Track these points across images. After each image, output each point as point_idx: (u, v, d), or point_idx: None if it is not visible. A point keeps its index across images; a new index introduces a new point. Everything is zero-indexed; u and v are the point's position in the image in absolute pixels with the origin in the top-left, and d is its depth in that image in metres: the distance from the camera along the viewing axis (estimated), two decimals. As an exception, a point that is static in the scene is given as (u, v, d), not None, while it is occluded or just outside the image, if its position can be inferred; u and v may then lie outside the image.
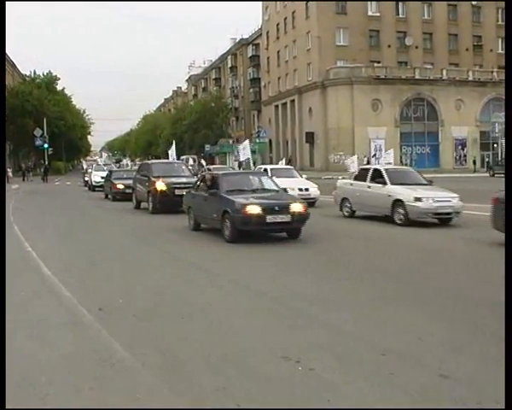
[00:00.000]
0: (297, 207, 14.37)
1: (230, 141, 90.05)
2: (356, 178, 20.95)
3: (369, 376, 5.59)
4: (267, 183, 16.58)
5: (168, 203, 22.01)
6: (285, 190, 19.33)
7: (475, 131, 69.38)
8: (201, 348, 6.40)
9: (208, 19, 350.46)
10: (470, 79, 69.14)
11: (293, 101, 75.53)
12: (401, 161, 65.63)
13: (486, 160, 67.99)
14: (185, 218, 17.80)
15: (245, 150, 45.98)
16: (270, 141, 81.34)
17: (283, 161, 46.17)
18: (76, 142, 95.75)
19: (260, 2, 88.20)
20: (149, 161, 32.50)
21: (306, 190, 24.46)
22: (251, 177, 17.44)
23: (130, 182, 27.83)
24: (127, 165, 60.84)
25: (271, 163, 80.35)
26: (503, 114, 67.18)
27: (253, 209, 13.89)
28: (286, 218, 14.14)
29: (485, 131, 69.26)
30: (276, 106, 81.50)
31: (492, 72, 70.75)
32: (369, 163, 51.45)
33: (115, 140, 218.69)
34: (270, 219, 13.94)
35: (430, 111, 68.10)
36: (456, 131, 68.06)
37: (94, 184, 40.17)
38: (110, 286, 9.69)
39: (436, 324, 7.30)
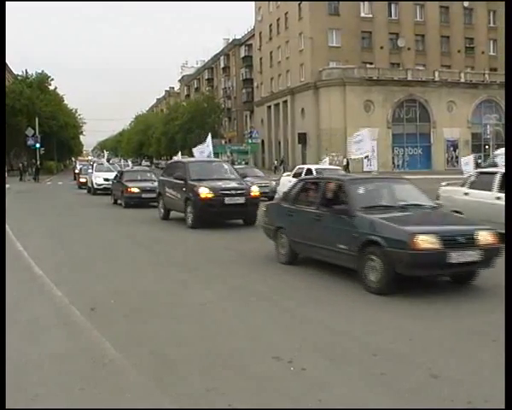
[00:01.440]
0: (485, 238, 9.14)
1: (223, 141, 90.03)
2: (473, 186, 15.04)
3: (361, 376, 5.62)
4: (410, 194, 11.04)
5: (214, 215, 17.76)
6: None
7: (467, 133, 69.52)
8: (193, 349, 6.41)
9: (201, 19, 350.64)
10: (462, 80, 69.26)
11: (285, 101, 75.51)
12: (393, 162, 65.83)
13: (478, 161, 68.09)
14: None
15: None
16: (263, 141, 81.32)
17: (327, 159, 38.76)
18: (68, 141, 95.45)
19: (253, 3, 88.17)
20: (183, 160, 27.33)
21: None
22: (393, 185, 11.48)
23: (148, 185, 25.79)
24: (128, 164, 57.73)
25: (263, 164, 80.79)
26: (495, 115, 68.05)
27: (429, 243, 8.61)
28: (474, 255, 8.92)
29: (477, 132, 69.49)
30: (269, 106, 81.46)
31: (484, 74, 70.94)
32: (348, 164, 51.48)
33: (107, 140, 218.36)
34: (453, 257, 8.68)
35: (422, 112, 68.19)
36: (448, 132, 68.18)
37: (96, 186, 35.13)
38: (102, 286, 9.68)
39: (428, 324, 7.33)
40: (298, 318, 7.69)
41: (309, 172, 24.11)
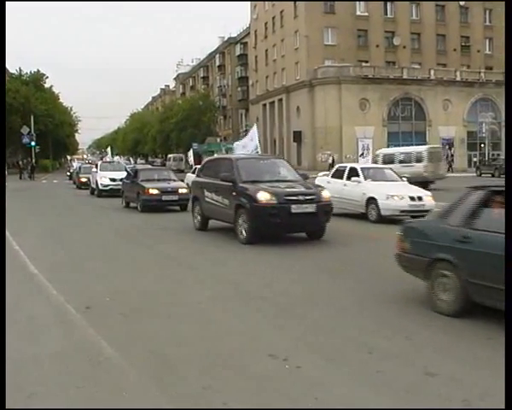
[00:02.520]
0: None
1: (218, 139, 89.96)
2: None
3: (357, 374, 5.62)
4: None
5: (277, 227, 14.07)
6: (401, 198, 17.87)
7: (462, 131, 69.61)
8: (189, 347, 6.41)
9: (196, 17, 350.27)
10: (458, 79, 69.35)
11: (280, 100, 75.49)
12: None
13: (474, 159, 68.26)
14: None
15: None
16: (258, 140, 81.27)
17: (369, 157, 33.37)
18: (63, 140, 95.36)
19: (249, 1, 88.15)
20: (229, 156, 22.19)
21: (420, 198, 18.21)
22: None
23: (168, 185, 23.35)
24: (130, 161, 54.76)
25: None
26: (490, 114, 68.12)
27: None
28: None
29: (473, 131, 69.56)
30: (264, 105, 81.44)
31: (480, 72, 71.06)
32: (333, 162, 51.73)
33: (102, 138, 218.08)
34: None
35: (418, 111, 68.27)
36: (444, 130, 68.23)
37: (101, 187, 31.99)
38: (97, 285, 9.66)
39: (423, 323, 7.34)
40: (293, 316, 7.69)
41: (353, 171, 20.13)
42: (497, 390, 5.14)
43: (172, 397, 5.11)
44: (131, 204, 24.62)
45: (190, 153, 49.98)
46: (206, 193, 16.28)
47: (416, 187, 19.63)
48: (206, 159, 20.69)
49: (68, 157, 78.11)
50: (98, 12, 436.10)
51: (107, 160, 42.10)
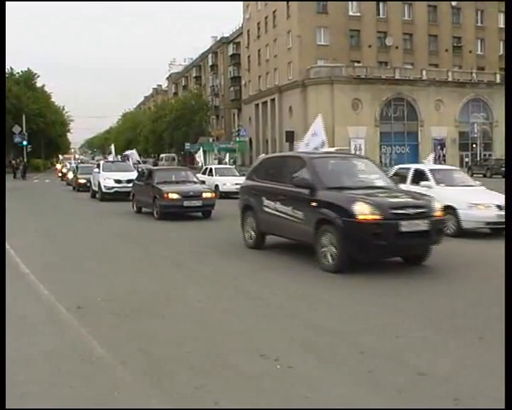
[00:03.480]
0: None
1: (210, 139, 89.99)
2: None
3: (348, 373, 5.63)
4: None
5: (382, 251, 10.39)
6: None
7: (454, 132, 69.86)
8: (181, 346, 6.40)
9: (189, 17, 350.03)
10: (450, 79, 69.58)
11: (273, 100, 75.55)
12: (380, 161, 65.96)
13: (466, 160, 68.50)
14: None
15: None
16: (251, 139, 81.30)
17: (431, 156, 28.76)
18: (55, 139, 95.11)
19: (241, 1, 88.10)
20: (299, 154, 14.47)
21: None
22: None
23: (190, 188, 20.56)
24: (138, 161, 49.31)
25: (251, 162, 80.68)
26: (482, 114, 68.36)
27: None
28: None
29: (464, 131, 69.81)
30: (257, 104, 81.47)
31: (472, 73, 71.31)
32: None
33: (95, 138, 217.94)
34: None
35: (410, 111, 68.45)
36: (436, 131, 68.46)
37: (105, 190, 28.78)
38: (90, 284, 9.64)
39: (415, 322, 7.36)
40: (285, 315, 7.69)
41: (419, 174, 17.12)
42: (488, 389, 5.18)
43: (164, 397, 5.10)
44: (144, 209, 22.03)
45: (200, 152, 47.34)
46: (266, 201, 12.72)
47: (497, 193, 15.89)
48: (260, 157, 18.04)
49: (60, 156, 77.11)
50: (91, 12, 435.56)
51: (111, 159, 37.41)
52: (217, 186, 29.81)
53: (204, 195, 20.32)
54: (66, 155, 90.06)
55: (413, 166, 18.33)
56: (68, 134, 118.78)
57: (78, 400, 5.02)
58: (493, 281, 9.33)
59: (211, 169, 34.11)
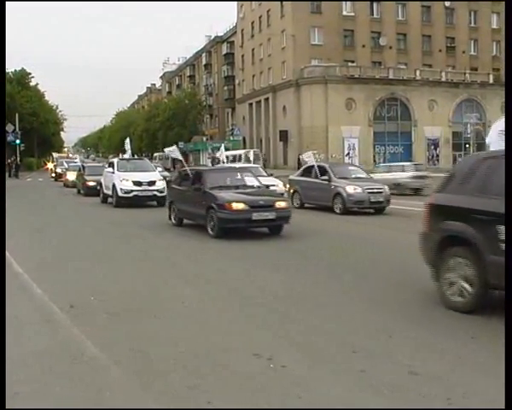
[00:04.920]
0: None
1: (204, 138, 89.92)
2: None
3: (341, 373, 5.64)
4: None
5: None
6: None
7: (448, 132, 69.96)
8: (174, 346, 6.40)
9: (183, 16, 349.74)
10: (443, 79, 69.68)
11: (267, 99, 75.52)
12: (374, 160, 66.04)
13: (459, 160, 68.53)
14: None
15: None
16: (244, 139, 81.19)
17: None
18: (48, 138, 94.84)
19: (235, 1, 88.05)
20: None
21: None
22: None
23: (260, 197, 15.69)
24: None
25: (247, 161, 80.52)
26: (475, 114, 68.52)
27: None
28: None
29: (458, 131, 69.91)
30: (251, 104, 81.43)
31: (465, 73, 71.43)
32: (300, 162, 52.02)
33: (88, 137, 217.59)
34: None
35: (403, 111, 68.51)
36: (429, 131, 68.57)
37: (122, 194, 24.14)
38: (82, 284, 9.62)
39: (407, 321, 7.38)
40: (277, 315, 7.70)
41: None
42: (480, 389, 5.20)
43: (157, 396, 5.10)
44: (185, 220, 17.62)
45: (222, 149, 37.26)
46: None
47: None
48: (475, 156, 10.17)
49: (54, 155, 76.21)
50: (89, 11, 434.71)
51: (126, 156, 31.08)
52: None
53: (277, 204, 15.25)
54: (59, 154, 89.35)
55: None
56: (62, 133, 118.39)
57: (70, 400, 5.01)
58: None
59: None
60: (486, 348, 6.29)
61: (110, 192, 25.32)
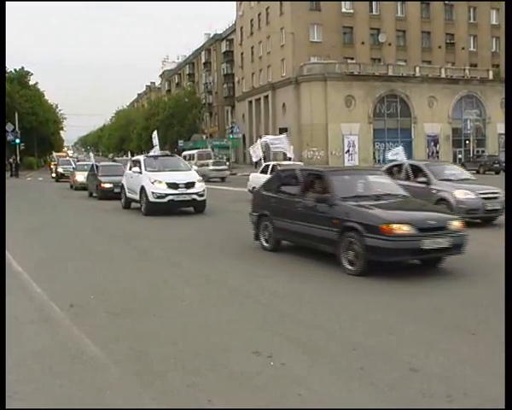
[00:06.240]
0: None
1: (204, 137, 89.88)
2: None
3: (341, 370, 5.63)
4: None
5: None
6: None
7: (447, 128, 69.93)
8: (173, 345, 6.39)
9: (182, 15, 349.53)
10: (443, 76, 69.65)
11: (266, 97, 75.46)
12: (374, 157, 66.02)
13: (459, 156, 68.64)
14: None
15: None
16: (244, 137, 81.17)
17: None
18: (48, 137, 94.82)
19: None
20: None
21: None
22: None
23: (423, 213, 10.75)
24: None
25: (244, 160, 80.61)
26: (475, 111, 68.47)
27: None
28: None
29: (458, 128, 69.91)
30: (250, 102, 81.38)
31: (464, 69, 71.42)
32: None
33: (88, 135, 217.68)
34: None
35: (403, 108, 68.47)
36: (429, 127, 68.53)
37: (154, 199, 19.94)
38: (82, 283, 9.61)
39: (407, 318, 7.37)
40: (277, 312, 7.68)
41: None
42: (481, 386, 5.19)
43: (157, 395, 5.09)
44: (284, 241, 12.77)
45: (259, 143, 33.93)
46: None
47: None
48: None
49: (54, 154, 75.78)
50: (88, 11, 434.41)
51: (154, 153, 25.64)
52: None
53: (451, 224, 10.17)
54: (59, 154, 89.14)
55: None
56: (61, 132, 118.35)
57: (70, 399, 5.00)
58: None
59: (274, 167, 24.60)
60: (487, 345, 6.29)
61: (136, 196, 21.28)
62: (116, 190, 25.34)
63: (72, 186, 37.04)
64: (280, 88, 71.34)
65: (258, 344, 6.31)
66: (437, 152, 67.83)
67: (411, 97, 67.84)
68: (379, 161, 66.18)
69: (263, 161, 27.58)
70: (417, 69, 68.90)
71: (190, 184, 20.30)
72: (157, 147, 26.30)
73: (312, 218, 11.13)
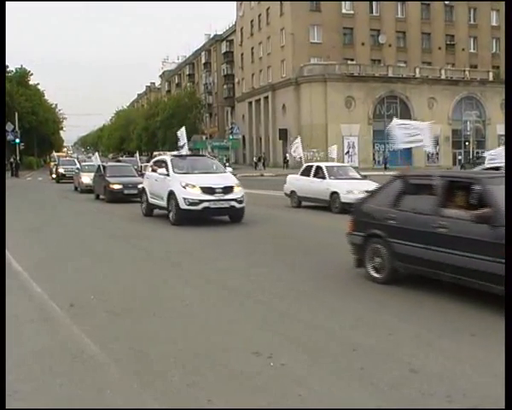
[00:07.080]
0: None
1: (204, 137, 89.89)
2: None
3: (341, 370, 5.63)
4: None
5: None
6: None
7: (448, 130, 69.92)
8: (173, 345, 6.38)
9: (182, 15, 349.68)
10: (443, 77, 69.71)
11: (266, 97, 75.51)
12: (374, 159, 66.05)
13: (459, 157, 68.68)
14: None
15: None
16: (244, 137, 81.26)
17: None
18: (48, 137, 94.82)
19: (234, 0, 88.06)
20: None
21: None
22: None
23: None
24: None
25: (244, 161, 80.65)
26: (475, 112, 68.49)
27: None
28: None
29: (458, 129, 69.95)
30: (250, 102, 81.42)
31: (464, 71, 71.47)
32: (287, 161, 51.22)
33: (88, 135, 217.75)
34: None
35: (403, 109, 68.46)
36: (429, 128, 68.51)
37: (186, 206, 16.92)
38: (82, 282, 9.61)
39: (407, 319, 7.37)
40: (277, 313, 7.69)
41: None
42: (480, 387, 5.19)
43: (157, 395, 5.09)
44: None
45: (298, 141, 30.42)
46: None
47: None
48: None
49: (54, 154, 75.29)
50: (89, 11, 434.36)
51: (183, 152, 22.40)
52: (334, 196, 21.09)
53: None
54: (58, 153, 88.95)
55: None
56: (61, 132, 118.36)
57: (70, 399, 5.00)
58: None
59: (319, 169, 22.96)
60: (486, 345, 6.29)
61: (162, 202, 18.49)
62: (126, 192, 24.23)
63: (76, 188, 35.17)
64: (280, 89, 71.39)
65: (258, 344, 6.31)
66: (437, 153, 67.81)
67: (411, 98, 67.88)
68: (378, 162, 66.26)
69: (303, 161, 26.88)
70: (417, 70, 68.97)
71: (228, 189, 17.39)
72: (185, 146, 23.14)
73: (463, 243, 7.92)
